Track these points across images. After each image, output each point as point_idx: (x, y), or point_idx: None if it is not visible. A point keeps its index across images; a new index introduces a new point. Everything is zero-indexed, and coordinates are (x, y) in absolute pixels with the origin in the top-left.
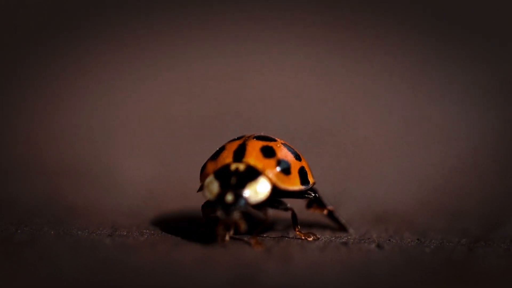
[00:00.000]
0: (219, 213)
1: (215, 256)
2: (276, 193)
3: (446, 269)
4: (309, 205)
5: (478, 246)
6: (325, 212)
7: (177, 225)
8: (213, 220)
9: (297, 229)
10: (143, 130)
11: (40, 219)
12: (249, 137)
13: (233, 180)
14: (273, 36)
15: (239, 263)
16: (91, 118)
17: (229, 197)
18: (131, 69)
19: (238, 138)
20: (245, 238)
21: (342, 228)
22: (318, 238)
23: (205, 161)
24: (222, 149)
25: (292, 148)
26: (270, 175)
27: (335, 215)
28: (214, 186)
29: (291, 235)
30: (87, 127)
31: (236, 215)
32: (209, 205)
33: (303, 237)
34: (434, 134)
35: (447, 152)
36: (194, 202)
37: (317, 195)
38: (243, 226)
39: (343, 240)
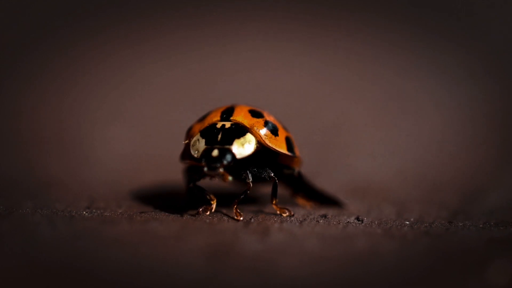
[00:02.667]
0: (205, 168)
1: (193, 227)
2: (262, 157)
3: (425, 242)
4: (295, 192)
5: (457, 219)
6: (309, 205)
7: (156, 197)
8: (194, 186)
9: (274, 201)
10: (125, 104)
11: (18, 191)
12: (235, 104)
13: (220, 136)
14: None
15: (217, 235)
16: (73, 92)
17: (215, 152)
18: (126, 57)
19: (225, 105)
20: (223, 211)
21: (336, 203)
22: (293, 215)
23: (190, 124)
24: (209, 112)
25: (280, 121)
26: (257, 131)
27: (325, 196)
28: (200, 144)
29: (268, 209)
30: (69, 100)
31: (221, 169)
32: (193, 167)
33: (278, 212)
34: (413, 107)
35: (425, 124)
36: (172, 175)
37: (300, 172)
38: (228, 178)
39: (322, 212)
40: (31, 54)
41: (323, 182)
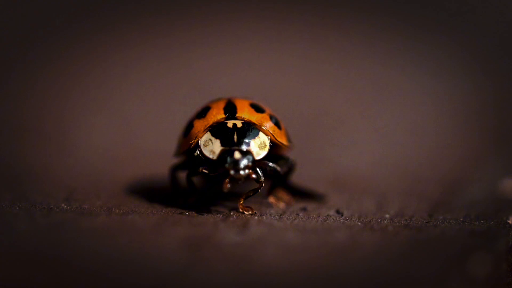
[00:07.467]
0: (231, 171)
1: (172, 220)
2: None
3: (405, 234)
4: (272, 189)
5: (438, 212)
6: (282, 205)
7: (136, 190)
8: (175, 184)
9: (242, 200)
10: (110, 96)
11: None
12: (230, 97)
13: (236, 137)
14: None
15: (196, 227)
16: (56, 82)
17: (237, 155)
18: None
19: (219, 99)
20: (202, 205)
21: (315, 197)
22: (254, 213)
23: (188, 121)
24: (207, 108)
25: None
26: (267, 128)
27: (303, 191)
28: (215, 145)
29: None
30: (50, 90)
31: (246, 171)
32: (204, 166)
33: (241, 209)
34: (397, 99)
35: (409, 116)
36: (153, 169)
37: (294, 162)
38: (258, 177)
39: (302, 205)
40: (15, 45)
41: (304, 174)
